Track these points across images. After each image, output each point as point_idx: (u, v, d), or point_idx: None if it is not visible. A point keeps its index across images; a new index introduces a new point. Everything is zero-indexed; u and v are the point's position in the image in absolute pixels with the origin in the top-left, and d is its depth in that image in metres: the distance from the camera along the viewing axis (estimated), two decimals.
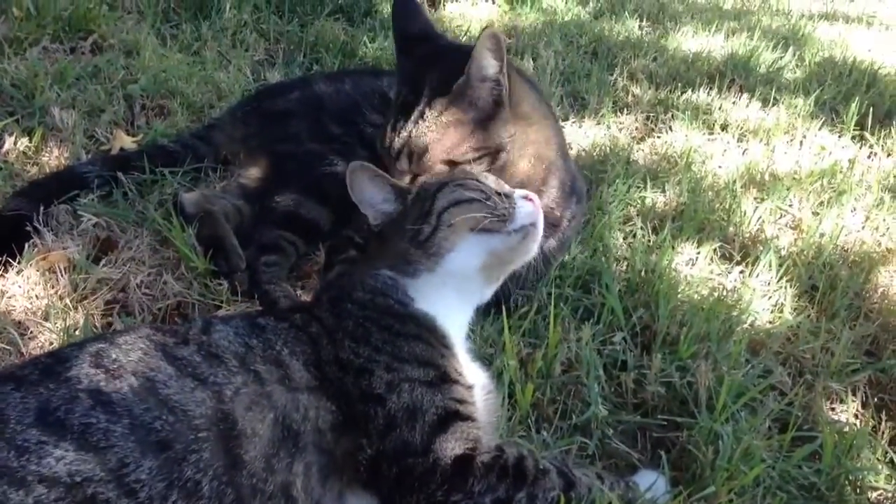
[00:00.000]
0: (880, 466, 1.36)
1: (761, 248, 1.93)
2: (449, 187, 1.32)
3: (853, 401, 1.51)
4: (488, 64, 1.48)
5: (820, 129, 2.76)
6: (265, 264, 1.68)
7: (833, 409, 1.52)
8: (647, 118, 2.77)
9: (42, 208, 1.71)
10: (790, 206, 2.21)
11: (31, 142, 2.01)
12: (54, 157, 2.00)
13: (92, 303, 1.54)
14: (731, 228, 2.05)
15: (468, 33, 3.26)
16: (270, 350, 1.12)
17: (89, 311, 1.51)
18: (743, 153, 2.54)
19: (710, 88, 3.01)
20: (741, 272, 1.87)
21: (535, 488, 1.09)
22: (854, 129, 2.77)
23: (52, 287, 1.55)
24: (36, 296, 1.53)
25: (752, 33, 3.78)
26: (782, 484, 1.28)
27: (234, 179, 1.97)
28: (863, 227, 2.15)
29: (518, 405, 1.35)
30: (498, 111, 1.52)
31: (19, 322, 1.47)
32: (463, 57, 1.48)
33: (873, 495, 1.32)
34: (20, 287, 1.55)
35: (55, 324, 1.45)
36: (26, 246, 1.63)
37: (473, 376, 1.24)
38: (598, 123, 2.65)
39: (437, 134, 1.51)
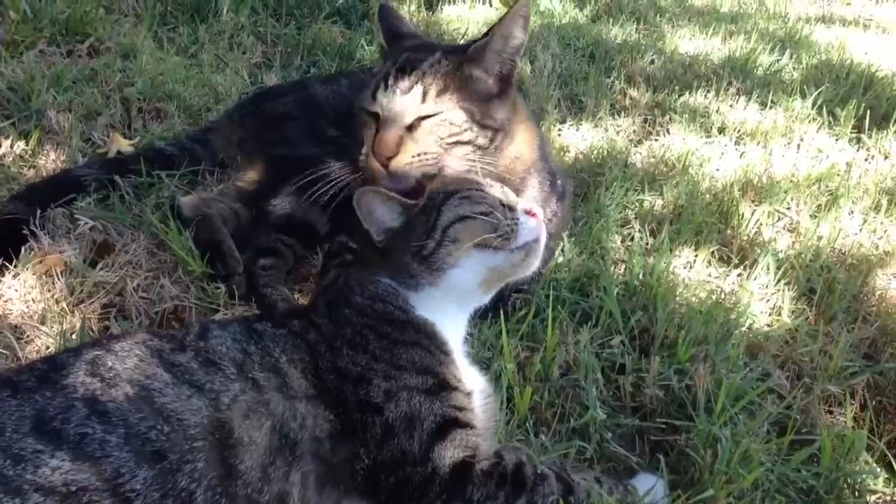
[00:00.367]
0: (878, 470, 1.36)
1: (759, 251, 1.93)
2: (454, 200, 1.28)
3: (851, 404, 1.51)
4: (516, 34, 1.42)
5: (817, 131, 2.77)
6: (262, 268, 1.68)
7: (831, 412, 1.52)
8: (645, 121, 2.77)
9: (39, 212, 1.71)
10: (788, 209, 2.21)
11: (27, 145, 2.01)
12: (51, 161, 1.99)
13: (88, 306, 1.54)
14: (728, 231, 2.05)
15: (465, 36, 3.26)
16: (268, 357, 1.12)
17: (86, 315, 1.50)
18: (740, 156, 2.54)
19: (708, 91, 3.01)
20: (739, 275, 1.87)
21: (534, 494, 1.09)
22: (851, 132, 2.77)
23: (49, 291, 1.55)
24: (32, 299, 1.53)
25: (749, 36, 3.79)
26: (781, 487, 1.28)
27: (232, 182, 1.96)
28: (860, 230, 2.15)
29: (516, 409, 1.35)
30: (505, 89, 1.47)
31: (16, 326, 1.47)
32: (460, 47, 1.45)
33: (872, 499, 1.32)
34: (17, 291, 1.55)
35: (52, 328, 1.45)
36: (23, 249, 1.63)
37: (472, 381, 1.24)
38: (596, 126, 2.65)
39: (440, 90, 1.40)
